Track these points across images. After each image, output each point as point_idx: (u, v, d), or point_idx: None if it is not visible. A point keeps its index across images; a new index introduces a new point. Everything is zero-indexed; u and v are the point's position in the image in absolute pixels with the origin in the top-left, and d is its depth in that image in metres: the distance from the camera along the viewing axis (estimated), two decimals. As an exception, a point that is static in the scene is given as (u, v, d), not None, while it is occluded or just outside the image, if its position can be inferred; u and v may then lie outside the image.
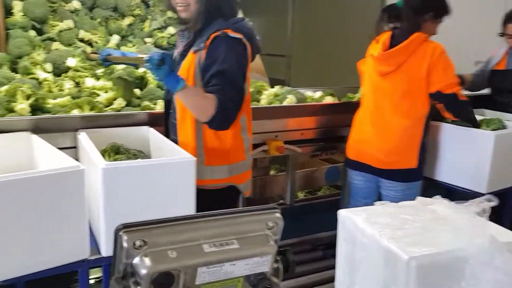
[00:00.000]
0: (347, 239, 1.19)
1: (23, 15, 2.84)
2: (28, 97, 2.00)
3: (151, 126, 2.11)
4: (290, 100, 2.69)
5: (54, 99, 2.14)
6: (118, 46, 3.11)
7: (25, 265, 1.44)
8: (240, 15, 2.01)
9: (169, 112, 2.01)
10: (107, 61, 2.10)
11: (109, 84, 2.36)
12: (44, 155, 1.80)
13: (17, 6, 2.83)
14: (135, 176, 1.55)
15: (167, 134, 2.03)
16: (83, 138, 1.89)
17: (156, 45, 3.24)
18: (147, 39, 3.24)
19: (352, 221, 1.16)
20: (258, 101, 2.75)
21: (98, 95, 2.27)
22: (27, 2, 2.84)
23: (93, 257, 1.57)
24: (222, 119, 1.78)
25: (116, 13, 3.20)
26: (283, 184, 3.47)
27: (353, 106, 2.57)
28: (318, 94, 2.93)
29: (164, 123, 2.06)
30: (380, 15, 2.45)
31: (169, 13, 3.34)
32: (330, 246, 2.88)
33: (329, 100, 2.93)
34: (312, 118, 2.68)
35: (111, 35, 3.13)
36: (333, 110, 2.78)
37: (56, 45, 2.89)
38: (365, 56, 2.53)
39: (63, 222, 1.47)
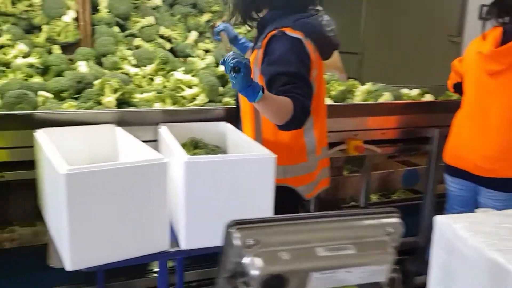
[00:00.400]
0: (443, 247, 1.09)
1: (108, 12, 2.95)
2: (115, 91, 2.06)
3: (229, 121, 2.10)
4: (386, 97, 2.58)
5: (142, 93, 2.19)
6: (195, 42, 3.15)
7: (108, 254, 1.48)
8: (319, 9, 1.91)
9: (239, 107, 1.99)
10: (218, 36, 2.10)
11: (194, 80, 2.38)
12: (128, 147, 1.84)
13: (103, 3, 2.94)
14: (216, 171, 1.54)
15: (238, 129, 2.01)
16: (164, 131, 1.91)
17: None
18: (224, 35, 3.25)
19: (451, 228, 1.06)
20: (352, 98, 2.67)
21: (183, 89, 2.30)
22: (113, -1, 2.95)
23: (172, 250, 1.58)
24: (299, 120, 1.69)
25: (195, 9, 3.24)
26: (356, 185, 3.36)
27: (439, 106, 2.42)
28: (415, 91, 2.76)
29: (235, 117, 2.04)
30: (487, 10, 2.26)
31: (247, 9, 3.34)
32: (407, 253, 2.74)
33: (428, 98, 2.78)
34: (394, 117, 2.56)
35: (189, 31, 3.17)
36: (417, 110, 2.63)
37: (137, 41, 2.97)
38: (464, 54, 2.37)
39: (145, 214, 1.50)
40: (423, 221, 2.78)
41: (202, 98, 2.27)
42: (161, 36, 3.08)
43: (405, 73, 4.99)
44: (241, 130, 1.94)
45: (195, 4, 3.23)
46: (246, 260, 0.56)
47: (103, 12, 2.92)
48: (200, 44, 3.17)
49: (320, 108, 1.89)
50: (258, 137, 1.85)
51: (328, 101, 2.49)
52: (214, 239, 1.60)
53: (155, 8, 3.16)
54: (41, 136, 1.77)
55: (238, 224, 0.57)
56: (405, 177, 3.52)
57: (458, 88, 2.41)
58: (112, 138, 1.95)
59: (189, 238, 1.57)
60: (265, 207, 1.61)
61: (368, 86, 2.73)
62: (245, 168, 1.57)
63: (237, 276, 0.58)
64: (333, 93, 2.57)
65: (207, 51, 3.17)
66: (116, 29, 2.96)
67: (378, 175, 3.37)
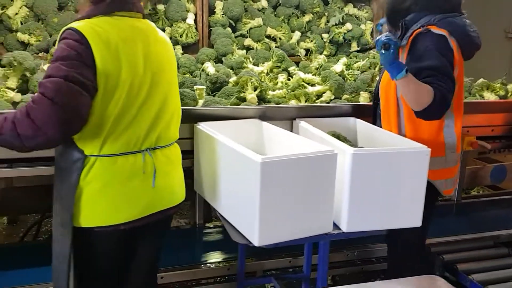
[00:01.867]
0: None
1: (223, 14, 3.16)
2: (255, 88, 2.27)
3: (356, 117, 2.28)
4: None
5: (273, 91, 2.39)
6: (297, 42, 3.34)
7: (286, 233, 1.67)
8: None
9: (377, 103, 2.15)
10: (380, 27, 2.21)
11: (316, 78, 2.57)
12: (277, 139, 2.04)
13: (219, 6, 3.16)
14: (377, 162, 1.71)
15: (373, 124, 2.17)
16: (307, 126, 2.10)
17: (332, 41, 3.42)
18: (324, 35, 3.42)
19: None
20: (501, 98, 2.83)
21: (305, 87, 2.50)
22: (227, 2, 3.16)
23: (335, 232, 1.77)
24: (437, 109, 1.82)
25: (297, 10, 3.42)
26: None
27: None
28: None
29: (372, 114, 2.21)
30: None
31: (346, 10, 3.49)
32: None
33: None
34: (502, 115, 2.67)
35: (293, 31, 3.35)
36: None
37: (247, 41, 3.18)
38: None
39: (316, 198, 1.68)
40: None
41: (328, 95, 2.46)
42: (268, 36, 3.28)
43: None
44: (377, 125, 2.11)
45: (298, 5, 3.41)
46: None
47: (219, 15, 3.14)
48: (302, 44, 3.35)
49: (460, 106, 2.00)
50: (400, 131, 2.00)
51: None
52: (371, 224, 1.80)
53: (261, 9, 3.35)
54: (205, 128, 1.99)
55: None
56: (494, 174, 3.59)
57: None
58: (258, 131, 2.15)
59: (350, 222, 1.75)
60: (417, 197, 1.78)
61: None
62: (403, 160, 1.73)
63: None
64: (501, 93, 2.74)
65: (308, 50, 3.36)
66: (229, 30, 3.17)
67: (469, 171, 3.47)
